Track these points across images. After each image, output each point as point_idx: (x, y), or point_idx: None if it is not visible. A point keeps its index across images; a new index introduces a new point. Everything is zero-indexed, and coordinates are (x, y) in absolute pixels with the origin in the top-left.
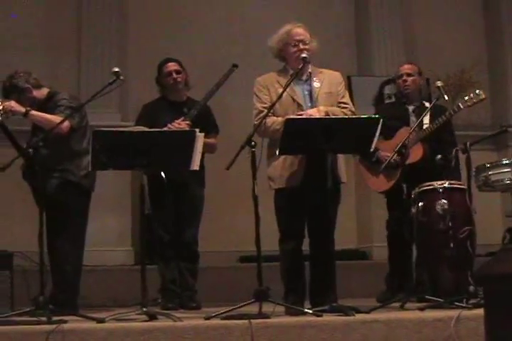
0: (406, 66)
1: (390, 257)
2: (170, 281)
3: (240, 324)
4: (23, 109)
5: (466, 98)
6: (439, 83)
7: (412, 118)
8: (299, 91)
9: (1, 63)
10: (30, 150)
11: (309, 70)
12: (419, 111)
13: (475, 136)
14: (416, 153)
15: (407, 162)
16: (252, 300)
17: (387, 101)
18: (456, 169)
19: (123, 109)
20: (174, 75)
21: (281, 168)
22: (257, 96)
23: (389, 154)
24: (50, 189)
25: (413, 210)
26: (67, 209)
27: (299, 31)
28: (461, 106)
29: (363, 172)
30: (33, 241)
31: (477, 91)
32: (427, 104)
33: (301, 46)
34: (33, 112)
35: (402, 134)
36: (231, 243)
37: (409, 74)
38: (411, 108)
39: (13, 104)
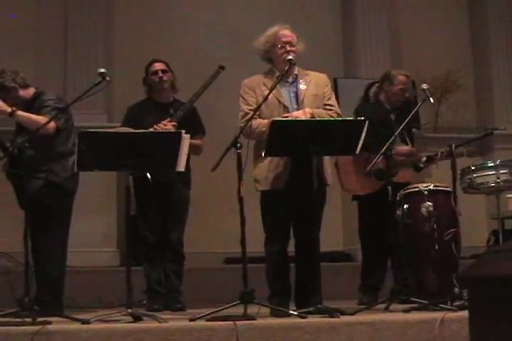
0: (405, 79)
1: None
2: (155, 282)
3: (224, 325)
4: (9, 109)
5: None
6: (424, 86)
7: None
8: (285, 93)
9: None
10: (15, 150)
11: (295, 72)
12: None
13: (460, 138)
14: (404, 176)
15: (395, 180)
16: (237, 302)
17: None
18: None
19: (109, 110)
20: (160, 74)
21: (266, 169)
22: (243, 98)
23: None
24: (33, 190)
25: (398, 212)
26: (51, 210)
27: (286, 33)
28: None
29: (345, 172)
30: (17, 241)
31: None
32: None
33: (288, 48)
34: (19, 112)
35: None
36: (216, 244)
37: (405, 89)
38: (393, 113)
39: (0, 103)
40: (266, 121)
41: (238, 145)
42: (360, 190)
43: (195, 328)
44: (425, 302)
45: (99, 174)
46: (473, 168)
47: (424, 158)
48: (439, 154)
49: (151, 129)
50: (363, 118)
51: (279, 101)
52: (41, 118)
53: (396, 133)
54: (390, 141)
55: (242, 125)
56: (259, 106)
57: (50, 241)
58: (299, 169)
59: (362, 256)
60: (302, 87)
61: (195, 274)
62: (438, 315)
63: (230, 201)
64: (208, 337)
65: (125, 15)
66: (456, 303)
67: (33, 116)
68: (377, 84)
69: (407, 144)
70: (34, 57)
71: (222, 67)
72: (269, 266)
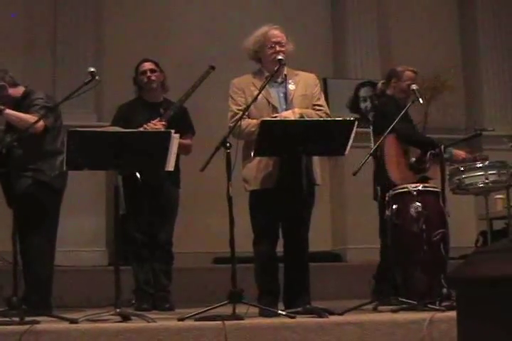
0: (413, 75)
1: None
2: (144, 282)
3: (213, 325)
4: None
5: None
6: (414, 86)
7: None
8: (274, 93)
9: None
10: (3, 148)
11: (285, 72)
12: None
13: (449, 139)
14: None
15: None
16: (226, 302)
17: (362, 104)
18: None
19: (98, 109)
20: (148, 74)
21: (255, 169)
22: (232, 98)
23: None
24: (21, 188)
25: (387, 213)
26: (39, 209)
27: (276, 33)
28: None
29: (390, 163)
30: (5, 240)
31: None
32: None
33: (278, 48)
34: (8, 111)
35: None
36: (205, 244)
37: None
38: None
39: None
40: (255, 121)
41: (227, 145)
42: (403, 181)
43: (183, 328)
44: (414, 302)
45: (88, 173)
46: (462, 168)
47: (414, 159)
48: (428, 155)
49: (141, 129)
50: (352, 118)
51: (268, 102)
52: (30, 117)
53: (385, 134)
54: (380, 140)
55: (231, 125)
56: (248, 107)
57: (38, 240)
58: (288, 169)
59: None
60: (291, 87)
61: (184, 274)
62: (426, 315)
63: (219, 201)
64: (197, 336)
65: (115, 14)
66: (445, 303)
67: (22, 115)
68: (382, 82)
69: None
70: (23, 56)
71: (212, 67)
72: (258, 266)
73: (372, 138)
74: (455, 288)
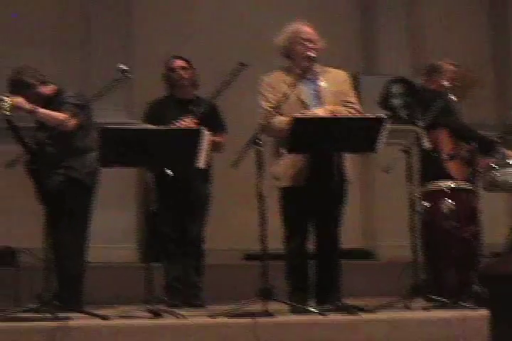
0: (454, 68)
1: None
2: (174, 279)
3: (244, 322)
4: (29, 106)
5: None
6: (445, 83)
7: None
8: (304, 90)
9: (9, 59)
10: (35, 146)
11: (315, 69)
12: None
13: None
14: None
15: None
16: (257, 299)
17: (393, 100)
18: None
19: (129, 107)
20: (179, 71)
21: (286, 166)
22: (262, 95)
23: None
24: (53, 186)
25: (419, 210)
26: (71, 206)
27: (307, 30)
28: None
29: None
30: (38, 237)
31: None
32: None
33: (309, 45)
34: (40, 110)
35: None
36: (236, 241)
37: (455, 78)
38: None
39: (21, 100)
40: (286, 118)
41: (258, 142)
42: (461, 176)
43: (214, 325)
44: (445, 300)
45: (119, 170)
46: (494, 165)
47: (467, 153)
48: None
49: (172, 126)
50: (383, 115)
51: (299, 99)
52: (61, 116)
53: (420, 131)
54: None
55: (261, 122)
56: (279, 104)
57: (70, 237)
58: (318, 166)
59: None
60: (322, 84)
61: (215, 270)
62: (458, 313)
63: (249, 198)
64: (227, 333)
65: (146, 11)
66: (476, 301)
67: (53, 113)
68: (423, 77)
69: None
70: (55, 54)
71: (243, 64)
72: (289, 262)
73: (418, 134)
74: (487, 285)
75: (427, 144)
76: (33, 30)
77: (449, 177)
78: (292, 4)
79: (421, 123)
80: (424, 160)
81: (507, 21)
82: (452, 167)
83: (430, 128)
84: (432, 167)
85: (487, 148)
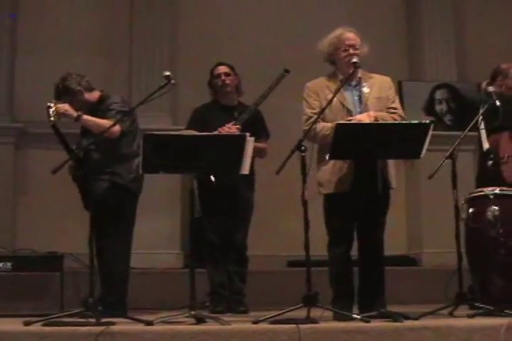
0: None
1: None
2: (218, 285)
3: (287, 328)
4: (75, 113)
5: None
6: (490, 88)
7: None
8: (348, 96)
9: (55, 66)
10: (81, 152)
11: (359, 75)
12: None
13: None
14: None
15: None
16: (301, 305)
17: (438, 106)
18: None
19: (174, 113)
20: (223, 77)
21: (330, 173)
22: (306, 101)
23: None
24: (98, 191)
25: (463, 216)
26: (115, 211)
27: (350, 36)
28: None
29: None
30: (83, 243)
31: None
32: None
33: (352, 51)
34: (85, 117)
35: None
36: (280, 247)
37: None
38: None
39: (67, 107)
40: (330, 124)
41: (302, 148)
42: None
43: (257, 331)
44: (490, 307)
45: (164, 176)
46: None
47: (490, 162)
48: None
49: (215, 132)
50: (427, 121)
51: (343, 105)
52: (106, 122)
53: (462, 136)
54: (457, 143)
55: (306, 128)
56: (323, 110)
57: (114, 243)
58: (362, 172)
59: None
60: (366, 90)
61: (259, 277)
62: (503, 320)
63: (293, 204)
64: (271, 339)
65: (190, 18)
66: None
67: (99, 120)
68: (486, 82)
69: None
70: (100, 60)
71: (287, 71)
72: (333, 269)
73: (482, 138)
74: None
75: (486, 145)
76: (80, 40)
77: (503, 181)
78: (336, 10)
79: (483, 126)
80: (481, 163)
81: None
82: (508, 171)
83: (493, 130)
84: (487, 170)
85: None
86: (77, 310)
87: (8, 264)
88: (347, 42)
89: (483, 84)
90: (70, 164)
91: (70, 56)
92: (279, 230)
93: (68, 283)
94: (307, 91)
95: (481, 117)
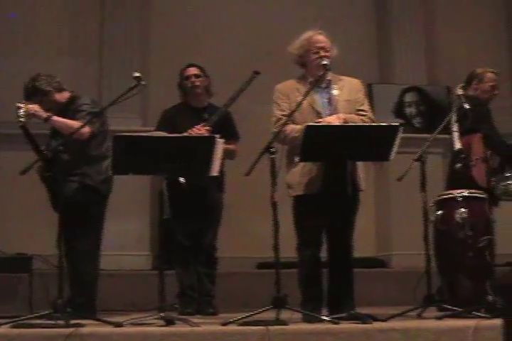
0: (495, 76)
1: None
2: (188, 286)
3: (257, 330)
4: (45, 114)
5: None
6: (459, 91)
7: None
8: (318, 98)
9: (24, 66)
10: (50, 153)
11: (329, 78)
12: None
13: None
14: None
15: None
16: (270, 307)
17: (407, 109)
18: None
19: (144, 114)
20: (193, 79)
21: (299, 174)
22: (276, 103)
23: None
24: (68, 193)
25: (432, 219)
26: (85, 213)
27: (320, 38)
28: None
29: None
30: (52, 244)
31: None
32: None
33: (322, 53)
34: (55, 118)
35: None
36: (249, 249)
37: (495, 86)
38: None
39: (36, 107)
40: (299, 126)
41: (272, 150)
42: (486, 184)
43: (227, 333)
44: (459, 309)
45: (133, 177)
46: (508, 174)
47: (459, 165)
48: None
49: (185, 134)
50: (397, 123)
51: (312, 107)
52: (76, 123)
53: (431, 138)
54: (426, 145)
55: (275, 130)
56: (292, 112)
57: (83, 244)
58: (332, 174)
59: None
60: (335, 92)
61: (228, 278)
62: (471, 322)
63: (263, 206)
64: None
65: (161, 19)
66: (490, 310)
67: (68, 122)
68: (461, 85)
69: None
70: (70, 61)
71: (257, 72)
72: (302, 271)
73: (454, 139)
74: (501, 294)
75: (458, 145)
76: (50, 41)
77: (474, 183)
78: (306, 13)
79: (455, 128)
80: (451, 165)
81: None
82: (478, 173)
83: (466, 133)
84: (457, 172)
85: None
86: (46, 312)
87: None
88: (317, 45)
89: (457, 89)
90: (39, 165)
91: (39, 56)
92: (248, 232)
93: (37, 284)
94: (277, 94)
95: (454, 119)
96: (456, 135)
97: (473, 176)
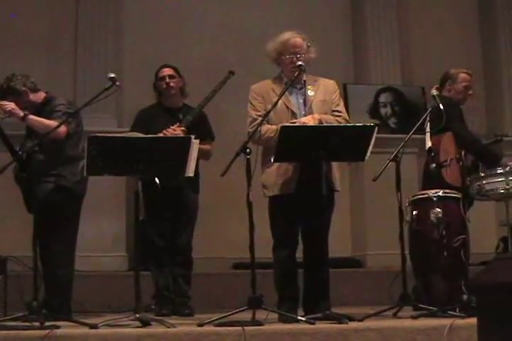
0: (468, 77)
1: None
2: (163, 287)
3: (232, 331)
4: (21, 113)
5: None
6: (434, 92)
7: None
8: (293, 99)
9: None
10: (24, 154)
11: (304, 78)
12: None
13: None
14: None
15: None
16: (246, 307)
17: (382, 109)
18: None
19: (119, 115)
20: (167, 79)
21: (275, 175)
22: (251, 104)
23: None
24: (43, 194)
25: (407, 218)
26: (60, 214)
27: (296, 43)
28: None
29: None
30: (26, 245)
31: None
32: None
33: (295, 58)
34: (31, 117)
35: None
36: (225, 249)
37: (469, 87)
38: None
39: (13, 105)
40: (274, 127)
41: (247, 150)
42: (457, 183)
43: (203, 333)
44: (434, 308)
45: (108, 178)
46: (482, 174)
47: (434, 165)
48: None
49: (160, 134)
50: (372, 124)
51: (288, 108)
52: (52, 123)
53: (406, 139)
54: (401, 146)
55: (250, 131)
56: (268, 113)
57: (58, 245)
58: (307, 174)
59: None
60: (310, 93)
61: (204, 279)
62: (446, 321)
63: (238, 206)
64: None
65: (135, 20)
66: (465, 310)
67: (45, 121)
68: (436, 86)
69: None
70: (44, 62)
71: (232, 72)
72: (278, 271)
73: (426, 139)
74: (475, 294)
75: (427, 145)
76: (23, 39)
77: (445, 183)
78: (283, 14)
79: (428, 128)
80: (427, 165)
81: (497, 32)
82: (450, 173)
83: (438, 132)
84: (431, 172)
85: (491, 162)
86: (21, 314)
87: None
88: (291, 50)
89: (433, 89)
90: (13, 165)
91: (13, 56)
92: (224, 232)
93: (11, 286)
94: (252, 94)
95: (427, 119)
96: (427, 134)
97: (446, 176)
